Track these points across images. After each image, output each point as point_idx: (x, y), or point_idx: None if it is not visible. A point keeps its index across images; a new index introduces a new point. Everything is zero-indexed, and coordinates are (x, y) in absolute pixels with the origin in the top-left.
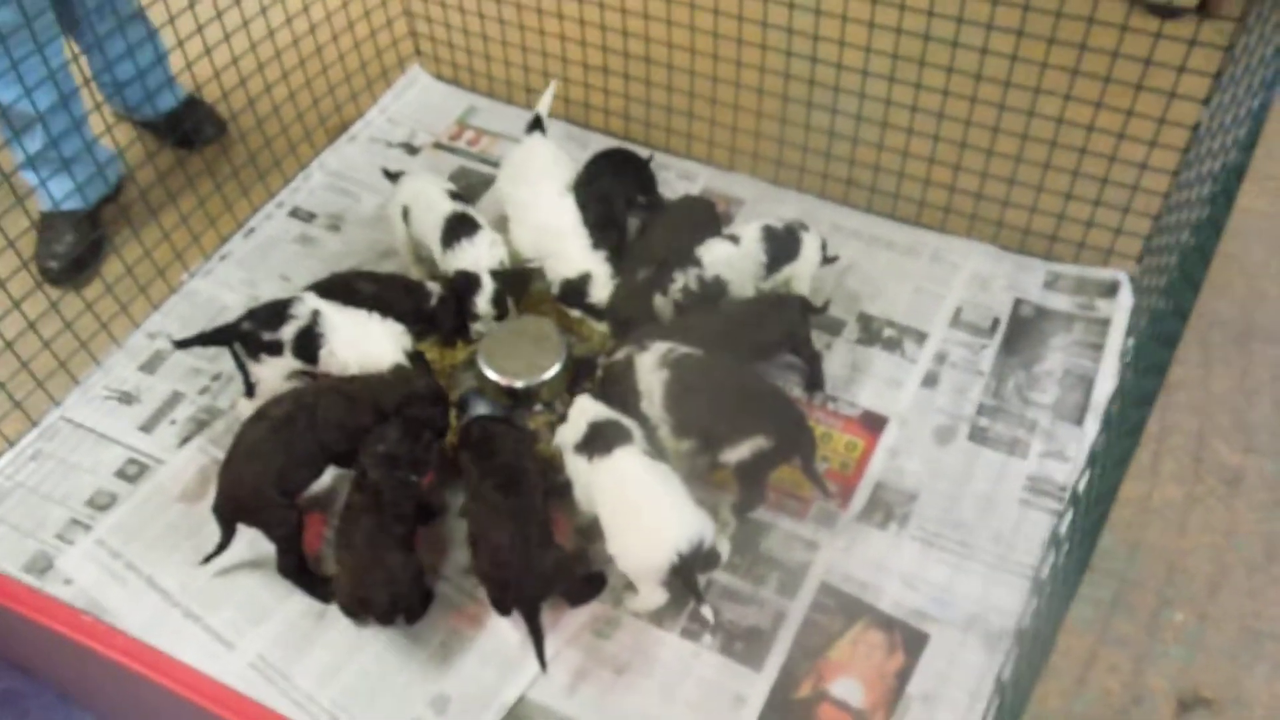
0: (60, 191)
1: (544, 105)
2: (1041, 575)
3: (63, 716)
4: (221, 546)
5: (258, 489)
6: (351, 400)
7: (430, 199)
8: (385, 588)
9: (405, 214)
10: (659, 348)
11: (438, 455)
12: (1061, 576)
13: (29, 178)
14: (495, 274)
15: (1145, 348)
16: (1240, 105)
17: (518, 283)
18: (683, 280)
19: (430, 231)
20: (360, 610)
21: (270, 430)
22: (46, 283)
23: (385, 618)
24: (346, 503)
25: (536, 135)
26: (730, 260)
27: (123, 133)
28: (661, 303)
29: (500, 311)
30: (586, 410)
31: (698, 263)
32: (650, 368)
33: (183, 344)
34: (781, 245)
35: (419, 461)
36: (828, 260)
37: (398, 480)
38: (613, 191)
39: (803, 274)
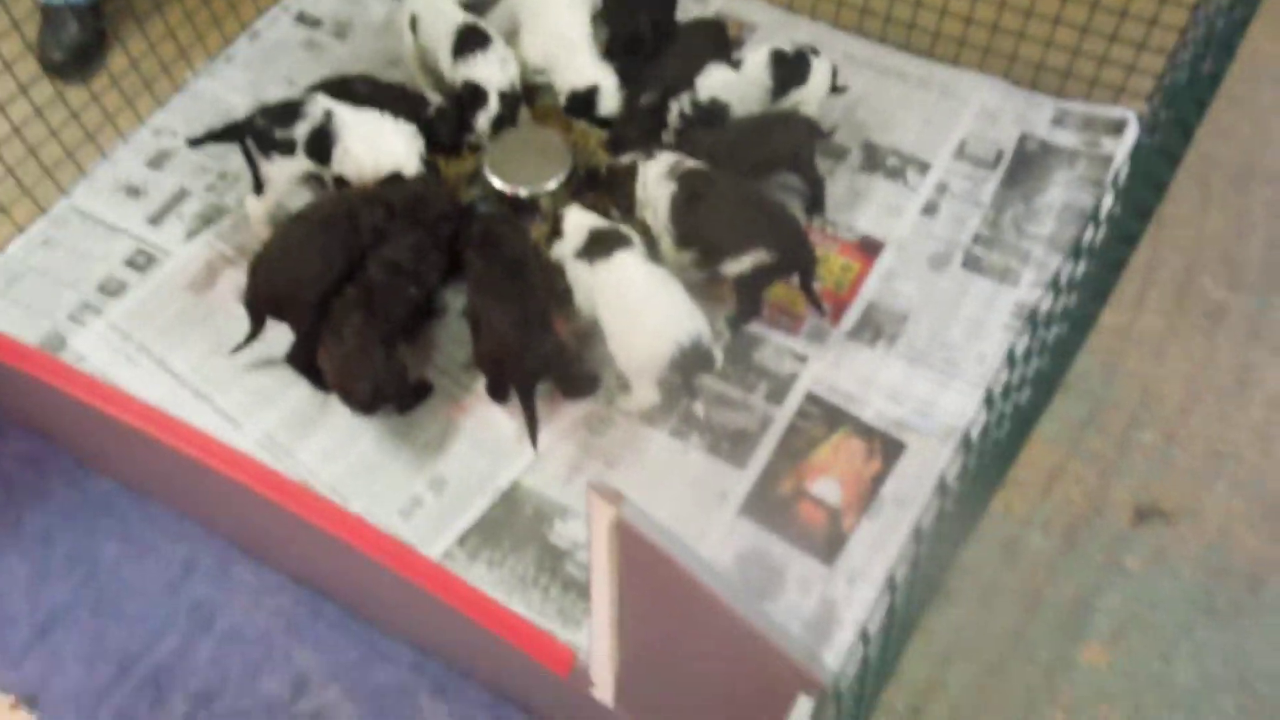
0: None
1: None
2: (995, 391)
3: (81, 479)
4: (251, 337)
5: (293, 288)
6: (389, 209)
7: (441, 7)
8: (366, 380)
9: (414, 23)
10: (666, 159)
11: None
12: (1015, 394)
13: None
14: (503, 96)
15: (1128, 185)
16: None
17: (519, 108)
18: (676, 107)
19: (439, 41)
20: (342, 399)
21: (312, 231)
22: (50, 74)
23: (365, 408)
24: (342, 295)
25: None
26: (730, 84)
27: None
28: (667, 134)
29: (497, 130)
30: (583, 219)
31: (692, 88)
32: (657, 179)
33: (196, 142)
34: (790, 70)
35: (422, 275)
36: (837, 90)
37: (395, 286)
38: (639, 8)
39: (811, 100)
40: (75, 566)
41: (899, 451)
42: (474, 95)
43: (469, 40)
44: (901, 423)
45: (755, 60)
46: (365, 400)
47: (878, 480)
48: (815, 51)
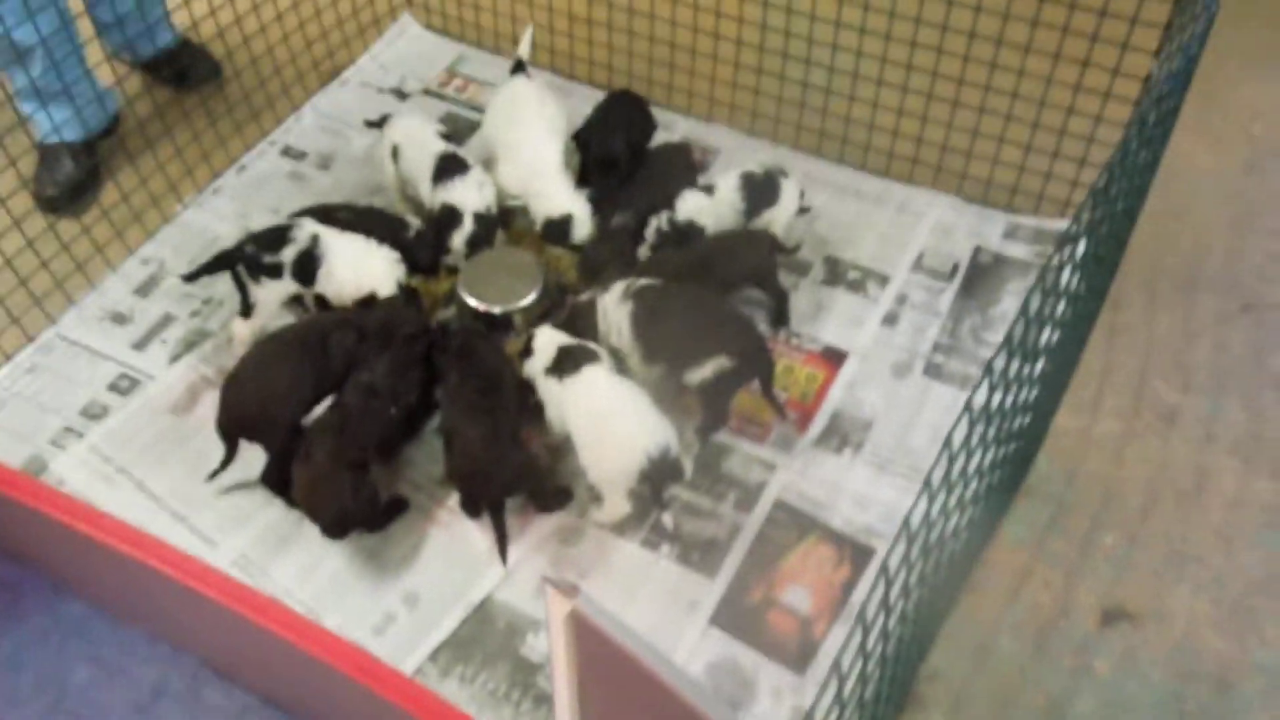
0: (57, 120)
1: (524, 48)
2: (933, 479)
3: (54, 603)
4: (225, 463)
5: (263, 408)
6: (362, 333)
7: (422, 138)
8: (333, 505)
9: (395, 153)
10: (619, 285)
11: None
12: (960, 485)
13: (27, 108)
14: (478, 217)
15: (1056, 286)
16: (1184, 53)
17: (494, 229)
18: (655, 223)
19: (420, 170)
20: (311, 520)
21: (278, 354)
22: (44, 211)
23: (330, 531)
24: (316, 419)
25: (521, 77)
26: (704, 209)
27: (115, 75)
28: (643, 250)
29: (472, 251)
30: (553, 338)
31: (671, 208)
32: (614, 303)
33: (190, 277)
34: (760, 192)
35: (399, 395)
36: (804, 210)
37: (371, 409)
38: (616, 136)
39: (780, 220)
40: (44, 691)
41: (868, 557)
42: (450, 216)
43: (448, 167)
44: (869, 529)
45: (727, 184)
46: (332, 525)
47: (847, 587)
48: (784, 173)
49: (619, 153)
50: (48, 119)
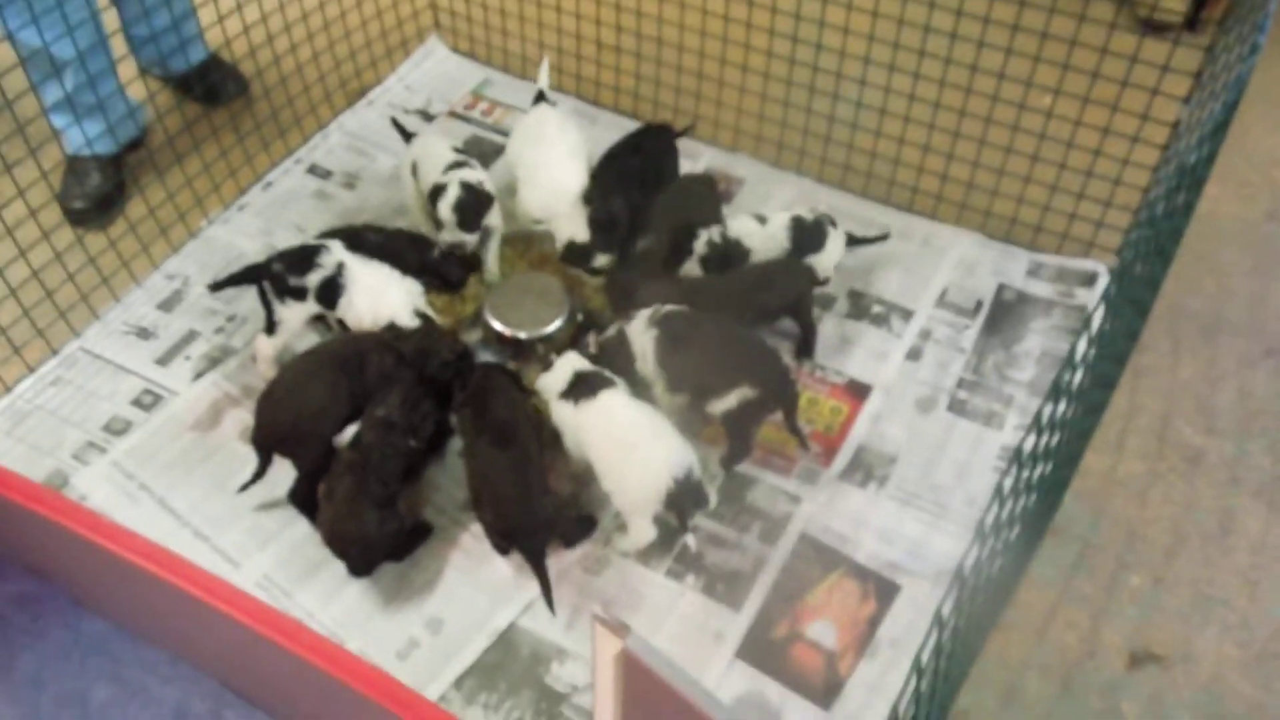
0: (89, 134)
1: (542, 79)
2: (985, 525)
3: (75, 620)
4: (257, 476)
5: (296, 424)
6: (400, 357)
7: (436, 153)
8: (356, 543)
9: (414, 169)
10: (644, 312)
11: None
12: (1006, 529)
13: (58, 121)
14: (465, 185)
15: (1102, 332)
16: (1217, 100)
17: (480, 198)
18: (706, 235)
19: (433, 177)
20: (339, 559)
21: (319, 368)
22: (71, 223)
23: (355, 570)
24: (339, 455)
25: (544, 105)
26: (753, 234)
27: (146, 89)
28: (688, 266)
29: (462, 219)
30: (572, 362)
31: (722, 222)
32: (640, 330)
33: (217, 286)
34: (808, 237)
35: (416, 427)
36: (855, 243)
37: (391, 445)
38: (614, 192)
39: (822, 266)
40: (65, 709)
41: (894, 593)
42: (437, 191)
43: (452, 166)
44: (895, 564)
45: (778, 221)
46: (357, 564)
47: (873, 622)
48: (833, 223)
49: (617, 214)
50: (80, 133)
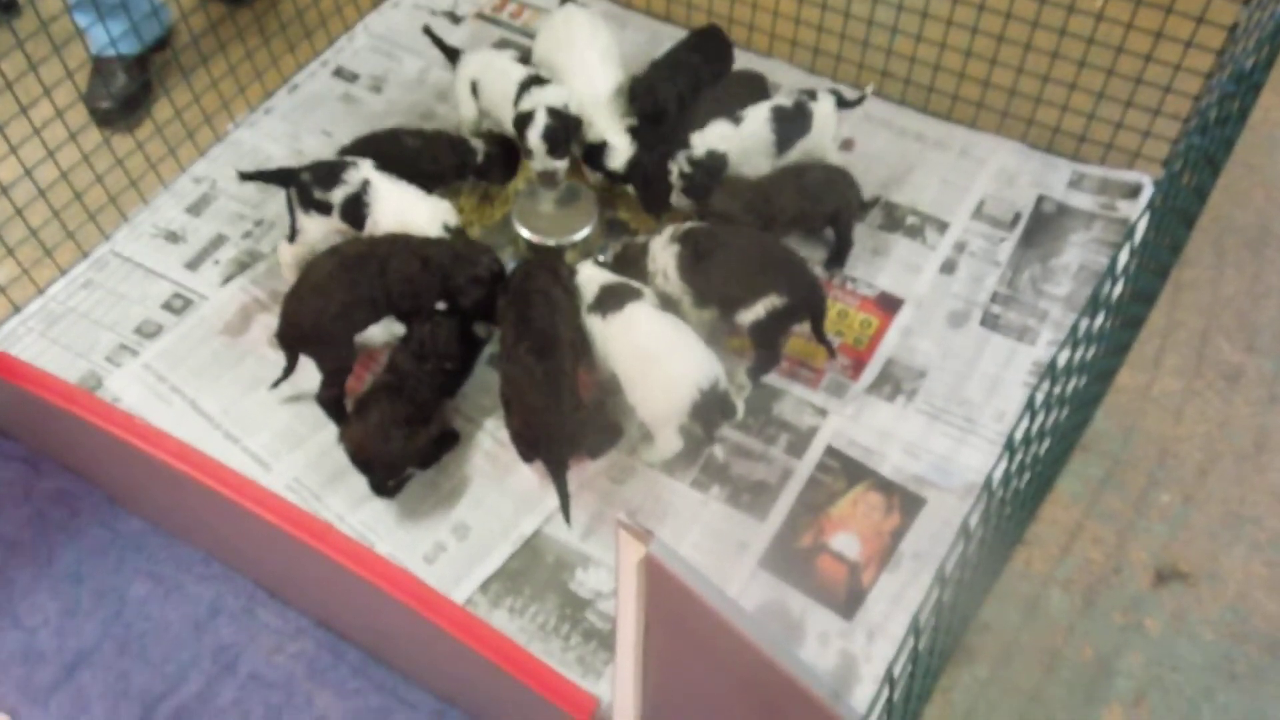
0: (114, 34)
1: None
2: (1014, 438)
3: (111, 518)
4: (287, 372)
5: (318, 321)
6: (425, 263)
7: (502, 67)
8: (383, 465)
9: (474, 88)
10: (669, 228)
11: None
12: (1035, 443)
13: (83, 20)
14: (553, 111)
15: (1144, 244)
16: (1277, 2)
17: (571, 124)
18: (675, 168)
19: (501, 99)
20: (360, 472)
21: (340, 268)
22: (97, 124)
23: (377, 488)
24: (375, 379)
25: (571, 4)
26: (728, 138)
27: None
28: (674, 197)
29: (552, 146)
30: (594, 275)
31: (687, 145)
32: (662, 246)
33: (247, 176)
34: (791, 123)
35: (448, 353)
36: (849, 105)
37: (425, 372)
38: (664, 85)
39: (823, 144)
40: (103, 604)
41: (918, 507)
42: (524, 120)
43: (530, 85)
44: (920, 478)
45: (756, 116)
46: (377, 483)
47: (897, 535)
48: (813, 96)
49: (664, 105)
50: (104, 32)
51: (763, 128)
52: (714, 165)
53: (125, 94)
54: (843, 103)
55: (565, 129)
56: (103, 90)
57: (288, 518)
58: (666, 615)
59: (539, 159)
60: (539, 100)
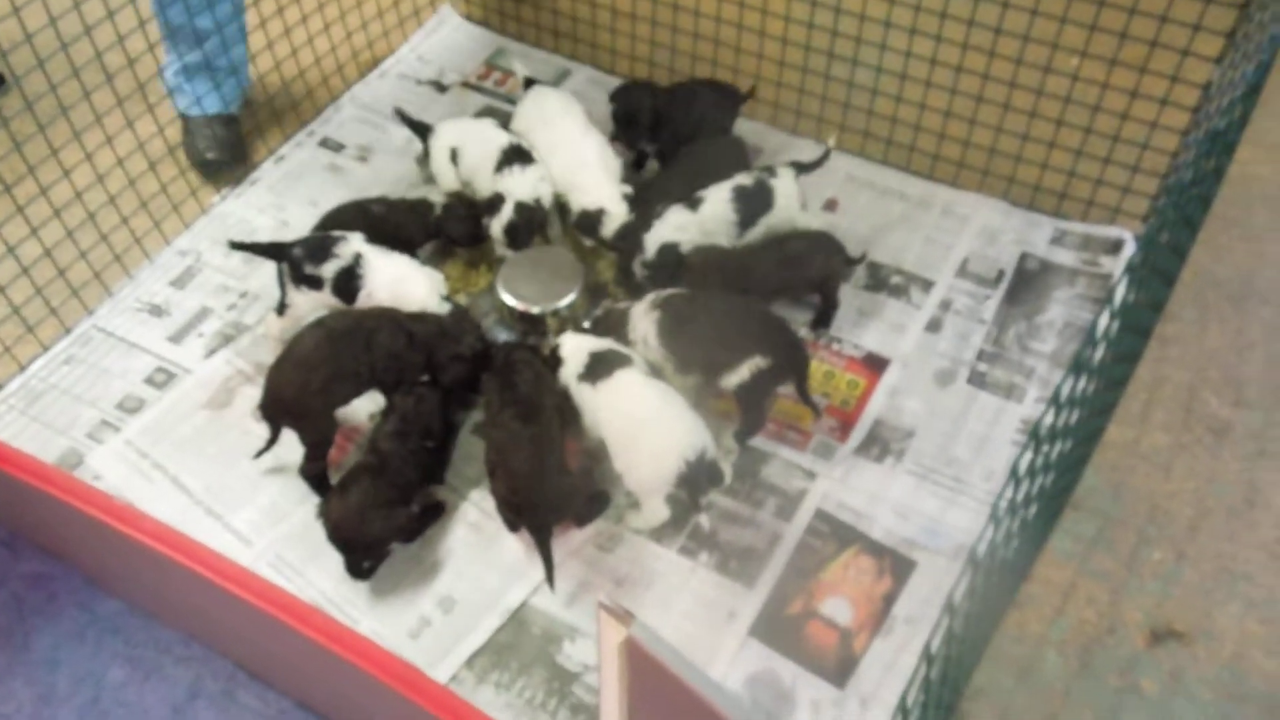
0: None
1: (520, 70)
2: (1000, 507)
3: (89, 600)
4: (269, 444)
5: (301, 395)
6: (410, 338)
7: (483, 134)
8: (361, 546)
9: (454, 156)
10: (649, 295)
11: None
12: (1021, 510)
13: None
14: (520, 206)
15: (1125, 304)
16: (1250, 62)
17: (538, 218)
18: (636, 267)
19: (482, 164)
20: (337, 549)
21: (325, 341)
22: (204, 176)
23: (353, 571)
24: (358, 460)
25: (539, 85)
26: (686, 227)
27: None
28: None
29: (511, 241)
30: (582, 344)
31: (640, 245)
32: (642, 314)
33: (237, 246)
34: (752, 201)
35: (430, 428)
36: (810, 168)
37: (408, 450)
38: (644, 95)
39: (792, 217)
40: (80, 689)
41: (909, 570)
42: (492, 203)
43: (511, 158)
44: (911, 540)
45: (716, 197)
46: (352, 565)
47: (889, 599)
48: (772, 172)
49: (640, 107)
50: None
51: (724, 208)
52: (667, 262)
53: (228, 142)
54: (802, 169)
55: (529, 226)
56: (206, 143)
57: (268, 598)
58: (649, 696)
59: (498, 247)
60: (511, 189)
